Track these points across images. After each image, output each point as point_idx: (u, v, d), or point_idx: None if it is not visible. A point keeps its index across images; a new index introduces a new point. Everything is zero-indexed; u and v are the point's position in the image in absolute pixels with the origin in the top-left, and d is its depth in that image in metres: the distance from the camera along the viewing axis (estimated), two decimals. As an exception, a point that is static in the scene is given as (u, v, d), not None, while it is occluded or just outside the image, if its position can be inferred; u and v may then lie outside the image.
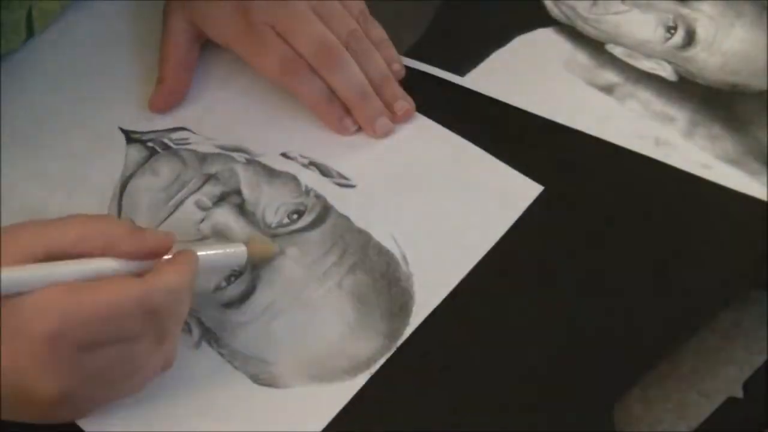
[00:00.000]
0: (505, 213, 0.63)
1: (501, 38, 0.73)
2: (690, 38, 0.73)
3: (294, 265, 0.61)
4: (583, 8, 0.75)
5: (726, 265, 0.61)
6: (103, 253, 0.50)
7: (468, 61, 0.72)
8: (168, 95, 0.68)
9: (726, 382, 0.56)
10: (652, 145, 0.67)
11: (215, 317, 0.59)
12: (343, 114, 0.66)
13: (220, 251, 0.57)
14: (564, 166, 0.66)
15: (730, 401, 0.56)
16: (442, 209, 0.64)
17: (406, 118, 0.67)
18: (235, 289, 0.59)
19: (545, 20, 0.74)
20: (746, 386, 0.56)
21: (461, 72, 0.71)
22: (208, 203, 0.63)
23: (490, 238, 0.62)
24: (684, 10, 0.74)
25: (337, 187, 0.64)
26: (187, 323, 0.57)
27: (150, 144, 0.66)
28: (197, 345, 0.57)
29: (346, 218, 0.63)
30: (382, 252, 0.61)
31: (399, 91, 0.68)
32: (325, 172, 0.65)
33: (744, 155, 0.67)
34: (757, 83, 0.71)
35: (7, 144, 0.64)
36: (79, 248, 0.50)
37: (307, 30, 0.66)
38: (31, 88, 0.69)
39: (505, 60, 0.72)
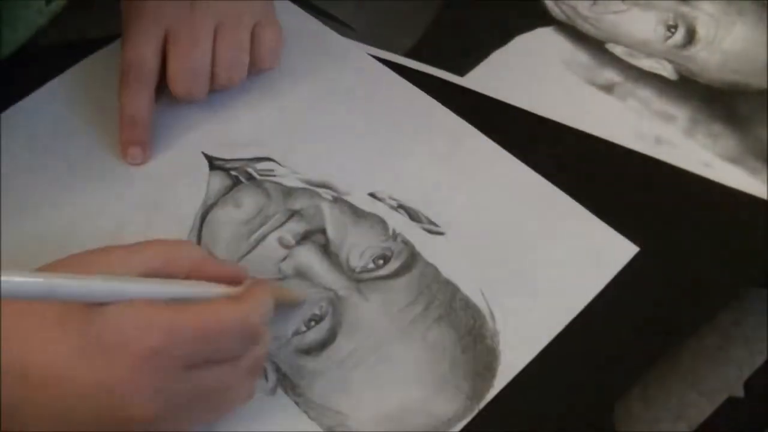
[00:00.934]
0: (599, 273, 0.60)
1: (501, 38, 0.73)
2: (690, 37, 0.73)
3: (377, 313, 0.58)
4: (583, 7, 0.75)
5: (726, 264, 0.61)
6: (188, 277, 0.50)
7: (468, 60, 0.72)
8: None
9: (726, 382, 0.56)
10: (652, 144, 0.67)
11: (293, 363, 0.56)
12: (138, 141, 0.64)
13: None
14: (564, 165, 0.66)
15: (731, 401, 0.56)
16: (534, 264, 0.60)
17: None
18: (314, 335, 0.57)
19: (545, 19, 0.74)
20: (747, 386, 0.56)
21: (461, 72, 0.71)
22: (291, 241, 0.61)
23: (582, 299, 0.59)
24: (684, 9, 0.74)
25: (425, 234, 0.61)
26: (263, 368, 0.55)
27: (234, 173, 0.64)
28: (272, 391, 0.55)
29: (434, 267, 0.60)
30: (469, 306, 0.58)
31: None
32: (413, 216, 0.62)
33: (745, 154, 0.67)
34: (758, 82, 0.71)
35: (90, 165, 0.64)
36: (167, 271, 0.49)
37: (190, 51, 0.63)
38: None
39: (505, 59, 0.72)
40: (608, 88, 0.70)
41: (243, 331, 0.49)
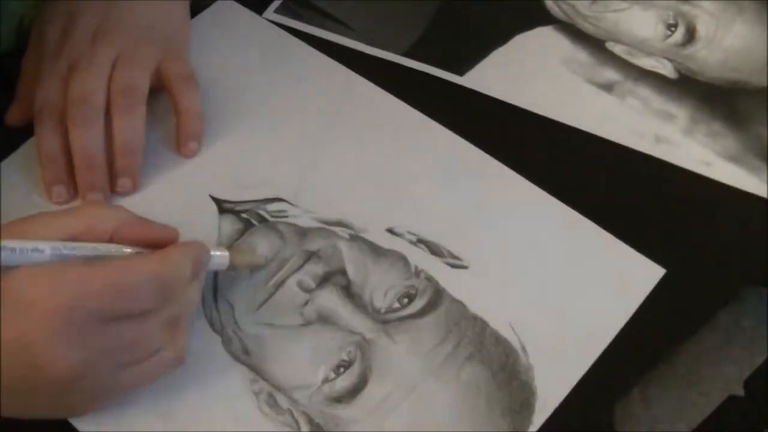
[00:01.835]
0: (628, 299, 0.59)
1: (501, 37, 0.73)
2: (690, 35, 0.73)
3: (407, 354, 0.56)
4: (582, 6, 0.75)
5: (726, 263, 0.61)
6: (111, 240, 0.52)
7: (468, 60, 0.72)
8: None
9: (726, 381, 0.56)
10: (652, 143, 0.67)
11: (325, 413, 0.55)
12: (59, 179, 0.62)
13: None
14: (564, 165, 0.66)
15: (731, 401, 0.56)
16: (561, 292, 0.59)
17: (124, 194, 0.62)
18: (344, 382, 0.55)
19: (545, 18, 0.74)
20: (747, 386, 0.56)
21: (461, 71, 0.71)
22: (312, 284, 0.59)
23: (614, 325, 0.58)
24: (684, 7, 0.74)
25: (448, 268, 0.60)
26: (295, 420, 0.54)
27: (245, 215, 0.62)
28: None
29: (461, 303, 0.58)
30: (500, 341, 0.57)
31: (132, 167, 0.62)
32: (434, 250, 0.60)
33: (744, 152, 0.67)
34: (758, 80, 0.71)
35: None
36: (90, 235, 0.51)
37: (83, 77, 0.61)
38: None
39: (505, 59, 0.72)
40: (608, 87, 0.70)
41: (154, 286, 0.50)
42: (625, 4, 0.75)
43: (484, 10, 0.74)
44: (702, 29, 0.73)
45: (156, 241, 0.53)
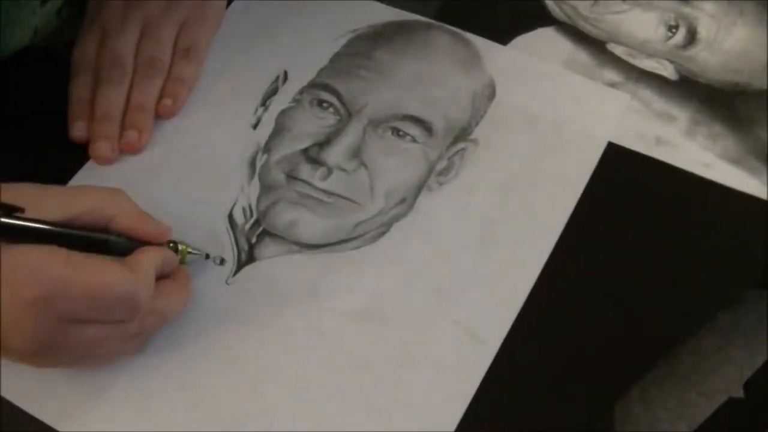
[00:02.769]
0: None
1: (502, 38, 0.73)
2: (691, 37, 0.73)
3: None
4: (584, 7, 0.75)
5: (726, 264, 0.61)
6: (109, 223, 0.55)
7: (469, 60, 0.72)
8: None
9: (726, 382, 0.56)
10: (653, 145, 0.67)
11: None
12: (82, 116, 0.66)
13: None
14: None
15: (731, 401, 0.56)
16: None
17: (129, 148, 0.65)
18: None
19: (546, 19, 0.74)
20: (747, 387, 0.56)
21: (462, 72, 0.71)
22: None
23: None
24: (685, 9, 0.74)
25: None
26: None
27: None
28: None
29: None
30: None
31: (141, 123, 0.66)
32: None
33: (745, 154, 0.67)
34: (759, 82, 0.71)
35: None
36: (92, 216, 0.54)
37: (115, 42, 0.67)
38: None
39: (506, 59, 0.72)
40: (609, 89, 0.70)
41: (127, 304, 0.52)
42: (626, 6, 0.75)
43: (484, 11, 0.74)
44: (703, 31, 0.73)
45: (149, 236, 0.56)
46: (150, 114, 0.66)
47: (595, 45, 0.73)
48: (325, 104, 0.67)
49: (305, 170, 0.64)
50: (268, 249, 0.61)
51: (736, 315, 0.59)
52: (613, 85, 0.70)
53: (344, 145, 0.64)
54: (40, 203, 0.53)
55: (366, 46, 0.70)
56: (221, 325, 0.58)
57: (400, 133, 0.65)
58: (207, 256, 0.60)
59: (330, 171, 0.64)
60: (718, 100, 0.70)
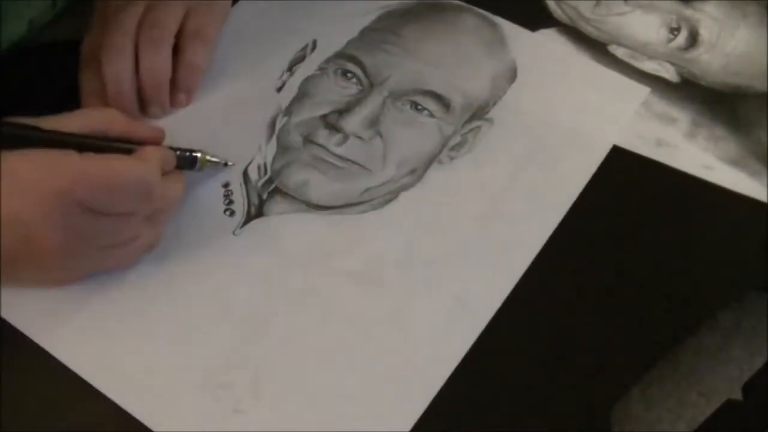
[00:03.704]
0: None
1: (503, 39, 0.73)
2: (693, 39, 0.73)
3: None
4: (585, 9, 0.75)
5: (726, 265, 0.61)
6: (108, 131, 0.58)
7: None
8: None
9: (726, 382, 0.56)
10: (653, 146, 0.67)
11: None
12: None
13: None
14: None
15: (730, 402, 0.56)
16: None
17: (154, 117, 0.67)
18: None
19: (548, 21, 0.74)
20: (746, 388, 0.56)
21: (464, 72, 0.71)
22: None
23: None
24: (687, 12, 0.74)
25: None
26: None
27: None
28: None
29: None
30: None
31: (160, 97, 0.67)
32: None
33: (745, 156, 0.67)
34: (760, 85, 0.71)
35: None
36: (89, 130, 0.57)
37: (117, 18, 0.66)
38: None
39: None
40: (610, 90, 0.70)
41: (138, 186, 0.55)
42: (628, 8, 0.75)
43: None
44: (705, 33, 0.73)
45: (143, 138, 0.60)
46: (166, 86, 0.67)
47: (596, 47, 0.73)
48: (349, 74, 0.68)
49: (323, 135, 0.66)
50: (277, 206, 0.63)
51: (736, 315, 0.59)
52: (614, 86, 0.70)
53: (363, 114, 0.66)
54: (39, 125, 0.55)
55: (395, 23, 0.72)
56: (222, 273, 0.60)
57: (419, 107, 0.67)
58: (225, 164, 0.64)
59: (346, 137, 0.65)
60: (719, 103, 0.70)
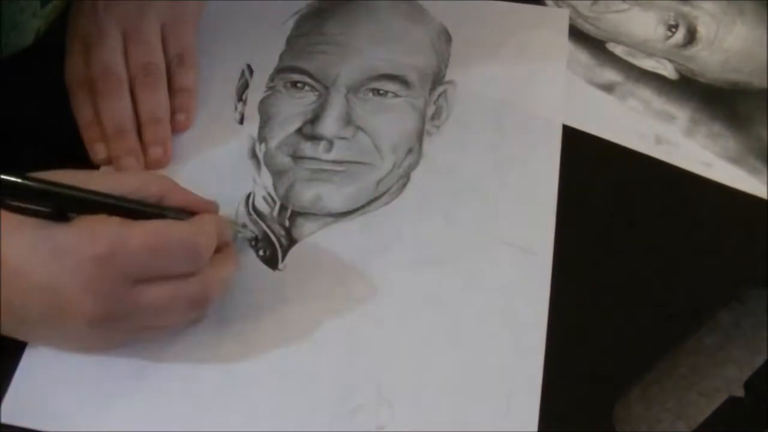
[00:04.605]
0: None
1: (501, 37, 0.73)
2: (691, 36, 0.73)
3: None
4: (583, 7, 0.75)
5: (726, 264, 0.61)
6: (159, 202, 0.55)
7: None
8: None
9: (726, 382, 0.56)
10: (652, 144, 0.67)
11: None
12: (99, 138, 0.64)
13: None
14: (564, 165, 0.66)
15: (731, 401, 0.56)
16: None
17: (157, 165, 0.64)
18: None
19: (546, 19, 0.74)
20: (747, 386, 0.56)
21: (462, 71, 0.71)
22: None
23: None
24: (685, 8, 0.74)
25: None
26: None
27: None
28: None
29: None
30: None
31: (161, 137, 0.65)
32: None
33: (745, 153, 0.67)
34: (759, 81, 0.71)
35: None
36: (140, 195, 0.54)
37: (98, 51, 0.65)
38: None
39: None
40: (608, 88, 0.70)
41: (187, 251, 0.52)
42: (625, 5, 0.75)
43: (484, 10, 0.75)
44: (703, 30, 0.73)
45: (198, 208, 0.56)
46: (166, 124, 0.65)
47: (594, 44, 0.73)
48: (299, 84, 0.68)
49: (308, 148, 0.65)
50: (304, 228, 0.62)
51: (736, 314, 0.59)
52: (612, 84, 0.70)
53: (334, 116, 0.66)
54: (87, 185, 0.53)
55: (314, 24, 0.72)
56: (286, 309, 0.58)
57: (381, 92, 0.67)
58: (256, 238, 0.61)
59: (331, 142, 0.65)
60: (718, 100, 0.70)
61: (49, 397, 0.55)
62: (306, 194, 0.63)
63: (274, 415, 0.55)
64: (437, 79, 0.69)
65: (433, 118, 0.67)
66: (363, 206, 0.63)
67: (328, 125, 0.65)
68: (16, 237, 0.50)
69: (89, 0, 0.67)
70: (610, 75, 0.71)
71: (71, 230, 0.50)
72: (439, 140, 0.66)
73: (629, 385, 0.56)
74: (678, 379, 0.57)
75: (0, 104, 0.66)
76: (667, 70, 0.71)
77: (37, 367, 0.56)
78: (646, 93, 0.70)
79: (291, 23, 0.72)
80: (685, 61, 0.72)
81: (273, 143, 0.66)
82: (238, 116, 0.68)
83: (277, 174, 0.64)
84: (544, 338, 0.57)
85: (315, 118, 0.66)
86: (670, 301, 0.59)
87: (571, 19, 0.74)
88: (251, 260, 0.61)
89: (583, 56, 0.72)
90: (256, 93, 0.69)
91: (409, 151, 0.65)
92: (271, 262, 0.61)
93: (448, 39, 0.71)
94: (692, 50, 0.72)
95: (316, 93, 0.67)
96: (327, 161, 0.64)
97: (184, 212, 0.55)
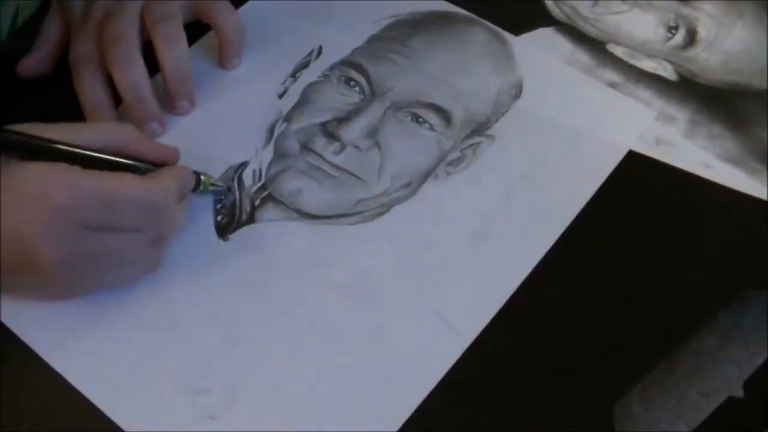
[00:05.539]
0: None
1: (502, 38, 0.73)
2: (691, 38, 0.73)
3: None
4: (583, 8, 0.75)
5: (726, 265, 0.61)
6: (119, 152, 0.56)
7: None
8: None
9: (726, 382, 0.56)
10: (652, 145, 0.67)
11: None
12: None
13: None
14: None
15: (731, 401, 0.56)
16: None
17: (183, 114, 0.67)
18: None
19: (546, 20, 0.74)
20: (747, 386, 0.56)
21: (462, 72, 0.71)
22: None
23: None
24: (685, 10, 0.74)
25: None
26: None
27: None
28: None
29: None
30: None
31: (187, 89, 0.66)
32: None
33: (744, 155, 0.67)
34: (758, 83, 0.71)
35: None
36: (101, 145, 0.56)
37: (113, 22, 0.64)
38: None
39: (506, 60, 0.72)
40: (609, 89, 0.70)
41: (143, 207, 0.54)
42: (625, 7, 0.75)
43: (484, 11, 0.74)
44: (703, 32, 0.73)
45: (159, 158, 0.58)
46: (189, 76, 0.66)
47: (594, 45, 0.73)
48: (352, 82, 0.68)
49: (320, 143, 0.65)
50: (268, 213, 0.63)
51: (736, 315, 0.59)
52: (612, 85, 0.70)
53: (362, 124, 0.65)
54: (49, 135, 0.54)
55: (403, 33, 0.72)
56: (210, 278, 0.60)
57: (420, 119, 0.66)
58: (228, 189, 0.63)
59: (343, 147, 0.65)
60: (717, 101, 0.70)
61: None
62: (290, 184, 0.64)
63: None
64: (480, 128, 0.67)
65: (450, 163, 0.65)
66: (331, 216, 0.63)
67: (352, 130, 0.65)
68: None
69: None
70: (610, 76, 0.71)
71: (34, 177, 0.52)
72: (442, 187, 0.64)
73: (629, 385, 0.56)
74: (678, 379, 0.56)
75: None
76: (667, 72, 0.71)
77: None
78: (646, 94, 0.70)
79: (383, 24, 0.72)
80: (685, 63, 0.72)
81: (294, 126, 0.66)
82: (281, 89, 0.69)
83: (279, 155, 0.65)
84: (416, 404, 0.55)
85: (345, 119, 0.66)
86: (670, 301, 0.60)
87: (571, 19, 0.74)
88: (204, 222, 0.62)
89: (583, 57, 0.72)
90: (310, 75, 0.70)
91: (407, 184, 0.64)
92: (223, 231, 0.62)
93: (517, 95, 0.69)
94: (692, 52, 0.73)
95: (362, 96, 0.67)
96: (329, 163, 0.64)
97: (149, 163, 0.57)
